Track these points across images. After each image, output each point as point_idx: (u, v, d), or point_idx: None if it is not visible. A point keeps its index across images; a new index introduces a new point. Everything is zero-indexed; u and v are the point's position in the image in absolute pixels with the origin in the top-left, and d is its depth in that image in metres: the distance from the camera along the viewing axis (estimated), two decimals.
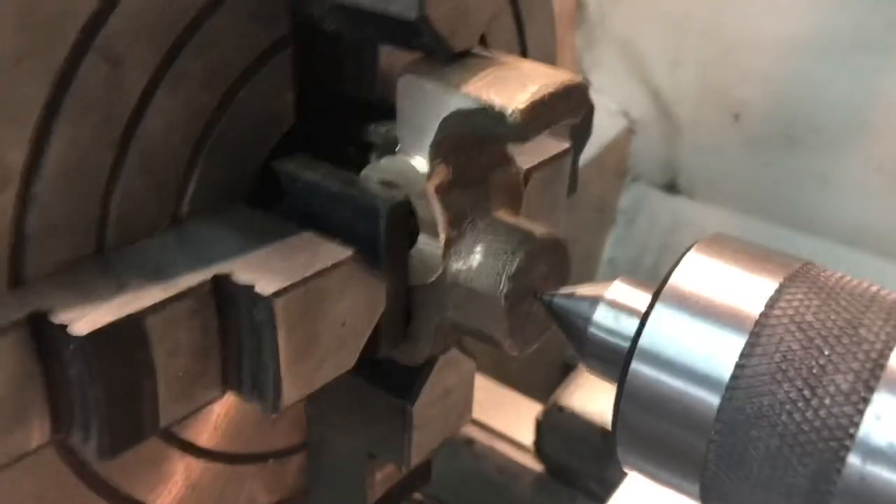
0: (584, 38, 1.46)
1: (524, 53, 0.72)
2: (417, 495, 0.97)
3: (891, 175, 1.23)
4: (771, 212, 1.37)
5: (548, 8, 0.74)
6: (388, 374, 0.59)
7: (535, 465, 0.97)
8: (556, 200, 0.64)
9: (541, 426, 0.95)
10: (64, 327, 0.42)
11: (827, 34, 1.22)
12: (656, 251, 1.48)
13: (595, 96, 1.54)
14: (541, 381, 1.17)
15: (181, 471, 0.57)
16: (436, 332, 0.55)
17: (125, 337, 0.43)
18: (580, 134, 0.75)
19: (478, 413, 1.03)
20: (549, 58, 0.75)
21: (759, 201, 1.38)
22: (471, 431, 1.01)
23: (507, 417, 1.01)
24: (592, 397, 0.92)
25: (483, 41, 0.67)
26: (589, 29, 1.45)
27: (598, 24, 1.43)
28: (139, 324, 0.43)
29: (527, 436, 0.98)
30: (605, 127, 1.45)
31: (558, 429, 0.93)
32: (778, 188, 1.35)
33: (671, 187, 1.47)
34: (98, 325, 0.41)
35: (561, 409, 0.93)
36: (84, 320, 0.42)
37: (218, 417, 0.59)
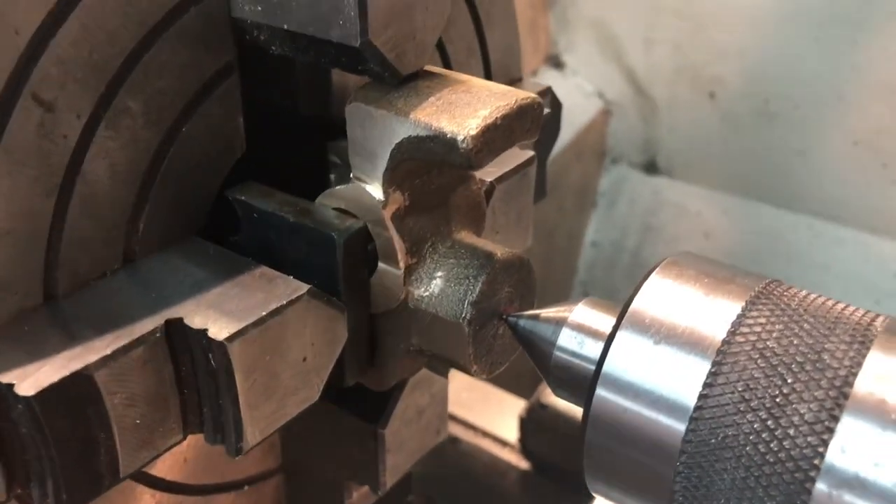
0: (557, 19, 1.44)
1: (485, 56, 0.70)
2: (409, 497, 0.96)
3: (869, 148, 1.22)
4: (751, 188, 1.36)
5: (508, 6, 0.72)
6: (359, 398, 0.58)
7: (521, 462, 0.96)
8: (522, 210, 0.63)
9: (524, 424, 0.95)
10: (10, 387, 0.40)
11: (800, 8, 1.20)
12: (638, 232, 1.47)
13: (570, 78, 1.52)
14: (524, 376, 1.17)
15: None
16: (402, 357, 0.54)
17: (75, 393, 0.41)
18: (547, 135, 0.74)
19: (461, 411, 1.02)
20: (512, 58, 0.73)
21: (738, 178, 1.37)
22: (455, 430, 1.00)
23: (492, 415, 1.01)
24: None
25: (441, 46, 0.65)
26: (561, 10, 1.43)
27: (571, 5, 1.41)
28: (89, 378, 0.42)
29: (511, 433, 0.98)
30: (581, 109, 1.44)
31: (542, 426, 0.93)
32: (757, 165, 1.34)
33: (650, 167, 1.46)
34: (45, 385, 0.40)
35: (544, 406, 0.93)
36: (31, 379, 0.41)
37: (187, 450, 0.58)
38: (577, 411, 0.92)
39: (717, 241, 1.40)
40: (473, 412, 1.00)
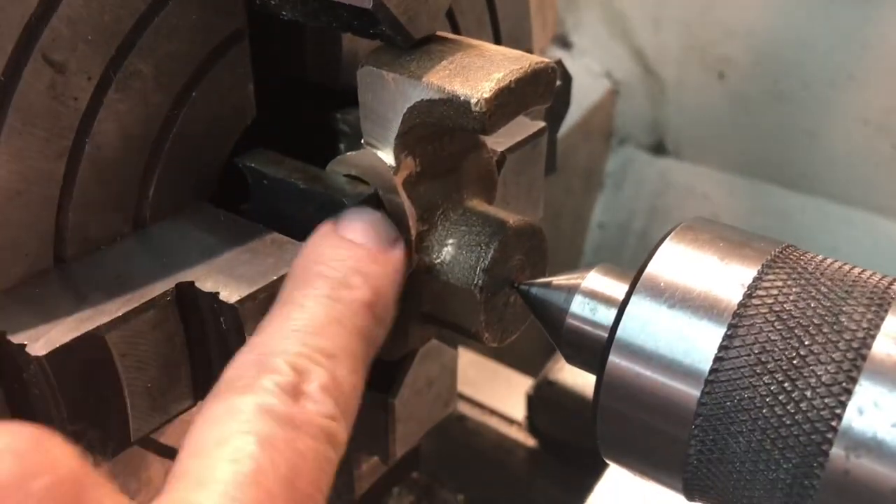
0: None
1: (495, 27, 0.70)
2: (413, 474, 0.97)
3: (879, 128, 1.21)
4: (759, 169, 1.35)
5: None
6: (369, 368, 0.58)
7: (527, 439, 0.96)
8: (533, 182, 0.62)
9: (532, 401, 0.95)
10: (22, 347, 0.40)
11: None
12: (645, 214, 1.47)
13: (578, 58, 1.51)
14: (531, 354, 1.17)
15: (162, 476, 0.56)
16: (413, 325, 0.54)
17: (86, 355, 0.41)
18: (558, 108, 0.73)
19: (468, 389, 1.02)
20: (522, 30, 0.73)
21: (746, 159, 1.36)
22: (462, 408, 1.00)
23: (498, 393, 1.01)
24: (582, 371, 0.91)
25: (451, 16, 0.65)
26: None
27: None
28: (100, 340, 0.42)
29: (518, 411, 0.98)
30: (589, 89, 1.43)
31: (549, 403, 0.93)
32: (765, 145, 1.33)
33: (658, 148, 1.45)
34: (57, 345, 0.40)
35: (551, 383, 0.93)
36: (42, 340, 0.41)
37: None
38: (584, 388, 0.92)
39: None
40: (480, 390, 1.00)
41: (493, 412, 0.99)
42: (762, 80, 1.28)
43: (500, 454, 0.97)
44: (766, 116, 1.30)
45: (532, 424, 0.96)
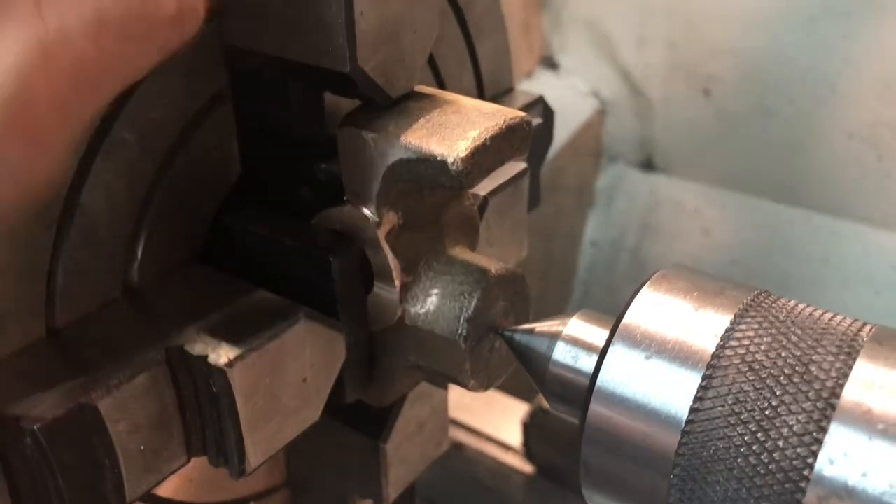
0: (550, 20, 1.44)
1: (476, 68, 0.71)
2: None
3: (864, 141, 1.22)
4: (748, 184, 1.36)
5: (497, 18, 0.72)
6: (360, 414, 0.59)
7: (524, 466, 0.97)
8: (517, 222, 0.63)
9: (527, 428, 0.95)
10: (17, 419, 0.41)
11: (791, 3, 1.20)
12: (637, 230, 1.48)
13: (565, 79, 1.52)
14: (527, 377, 1.17)
15: None
16: (401, 373, 0.55)
17: (80, 423, 0.42)
18: (540, 143, 0.74)
19: (464, 416, 1.03)
20: (503, 69, 0.74)
21: (735, 174, 1.37)
22: (459, 435, 1.01)
23: (495, 420, 1.01)
24: None
25: (432, 62, 0.66)
26: (555, 11, 1.43)
27: (564, 6, 1.41)
28: (93, 409, 0.43)
29: (515, 437, 0.98)
30: (577, 109, 1.44)
31: (544, 430, 0.94)
32: (754, 160, 1.34)
33: (647, 165, 1.46)
34: (50, 417, 0.41)
35: (545, 410, 0.93)
36: (36, 412, 0.41)
37: (192, 470, 0.58)
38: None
39: (715, 238, 1.41)
40: (476, 417, 1.01)
41: (489, 439, 1.00)
42: (748, 96, 1.29)
43: (498, 481, 0.98)
44: (753, 132, 1.31)
45: (529, 451, 0.97)
